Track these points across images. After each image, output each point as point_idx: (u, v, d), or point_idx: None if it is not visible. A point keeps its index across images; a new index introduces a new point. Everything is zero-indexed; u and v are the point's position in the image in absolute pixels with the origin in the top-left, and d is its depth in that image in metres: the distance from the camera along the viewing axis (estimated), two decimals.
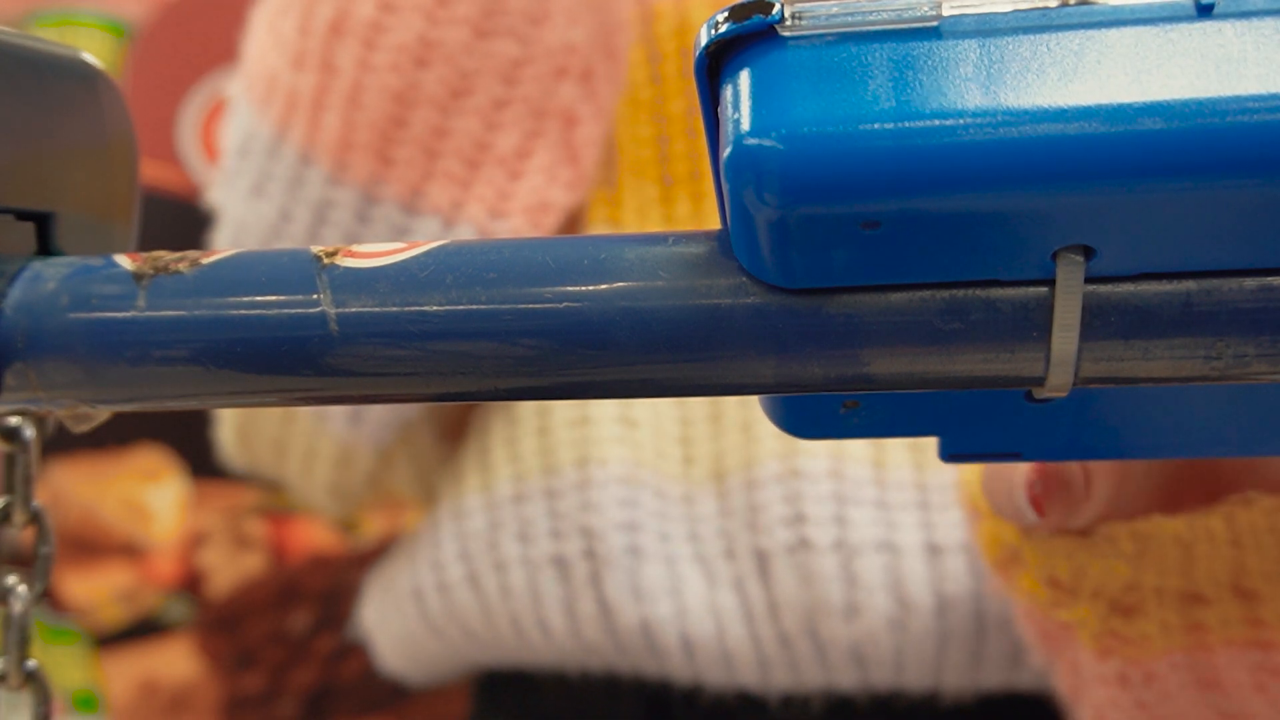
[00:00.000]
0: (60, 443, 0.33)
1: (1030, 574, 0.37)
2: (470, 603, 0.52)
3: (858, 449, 0.49)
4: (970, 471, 0.40)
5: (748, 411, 0.50)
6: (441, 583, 0.53)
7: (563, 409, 0.52)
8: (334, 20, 0.49)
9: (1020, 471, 0.33)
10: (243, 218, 0.53)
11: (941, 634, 0.47)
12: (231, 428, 0.59)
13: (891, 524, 0.48)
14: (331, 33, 0.49)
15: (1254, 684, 0.35)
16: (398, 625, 0.57)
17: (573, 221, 0.54)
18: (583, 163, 0.52)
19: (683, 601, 0.49)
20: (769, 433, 0.49)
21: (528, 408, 0.53)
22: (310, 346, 0.24)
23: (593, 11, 0.51)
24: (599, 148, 0.53)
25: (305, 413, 0.54)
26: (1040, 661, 0.43)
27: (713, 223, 0.53)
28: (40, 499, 0.31)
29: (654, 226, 0.54)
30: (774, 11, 0.21)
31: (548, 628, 0.51)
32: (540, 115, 0.50)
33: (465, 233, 0.50)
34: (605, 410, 0.51)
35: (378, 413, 0.54)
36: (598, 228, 0.54)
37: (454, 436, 0.59)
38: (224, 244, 0.54)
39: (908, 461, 0.49)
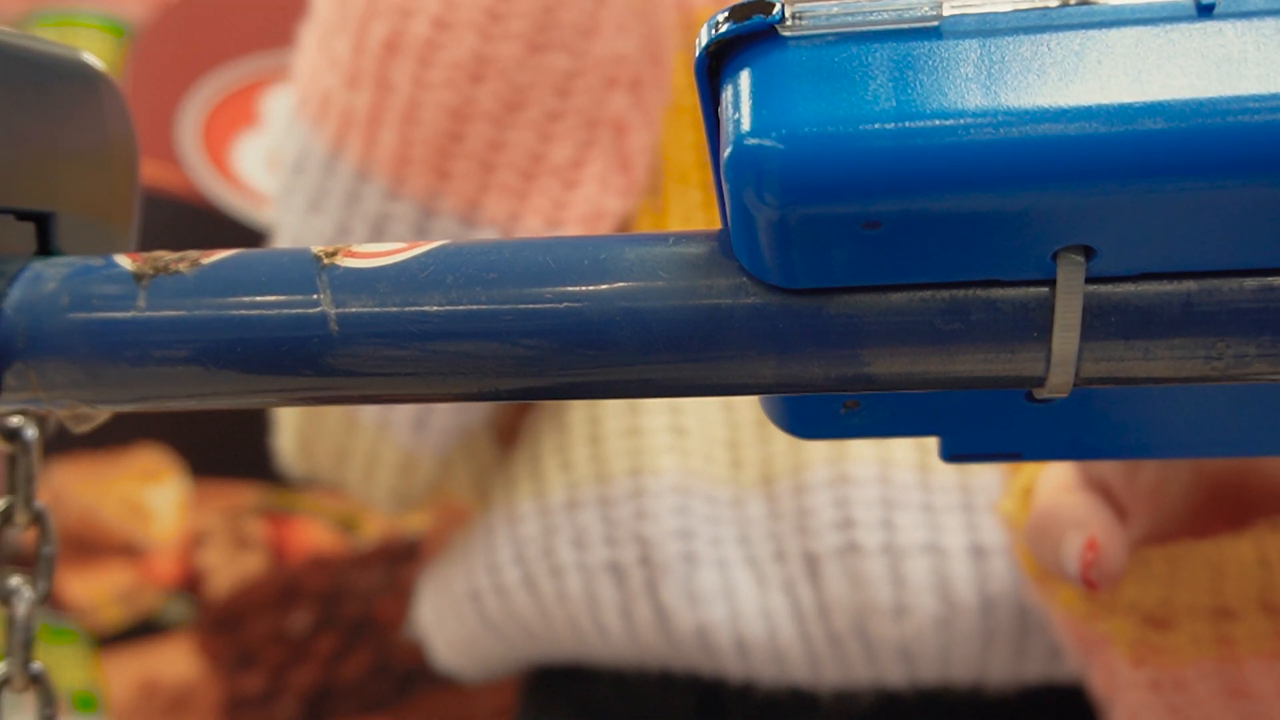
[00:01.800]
0: (60, 443, 0.33)
1: (1068, 589, 0.38)
2: (528, 605, 0.54)
3: (904, 454, 0.51)
4: (1010, 500, 0.41)
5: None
6: (499, 585, 0.54)
7: (612, 417, 0.54)
8: (388, 39, 0.50)
9: (1071, 542, 0.34)
10: (300, 233, 0.54)
11: (987, 631, 0.49)
12: (292, 436, 0.60)
13: (937, 526, 0.49)
14: (387, 51, 0.50)
15: (1279, 691, 0.36)
16: (455, 625, 0.59)
17: (623, 228, 0.55)
18: (634, 170, 0.53)
19: (736, 604, 0.50)
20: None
21: (577, 415, 0.55)
22: (310, 346, 0.24)
23: (640, 20, 0.52)
24: (648, 155, 0.54)
25: (368, 421, 0.56)
26: (1075, 663, 0.44)
27: None
28: (40, 499, 0.31)
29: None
30: (774, 11, 0.21)
31: (605, 630, 0.52)
32: (593, 125, 0.51)
33: None
34: (657, 420, 0.53)
35: (441, 420, 0.55)
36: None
37: (508, 441, 0.60)
38: None
39: (952, 465, 0.50)
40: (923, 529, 0.49)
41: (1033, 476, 0.39)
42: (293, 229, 0.55)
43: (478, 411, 0.56)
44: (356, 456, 0.57)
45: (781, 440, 0.52)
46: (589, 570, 0.52)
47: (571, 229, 0.51)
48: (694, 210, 0.56)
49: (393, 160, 0.51)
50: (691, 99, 0.56)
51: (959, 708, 0.51)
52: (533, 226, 0.51)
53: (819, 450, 0.51)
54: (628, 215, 0.55)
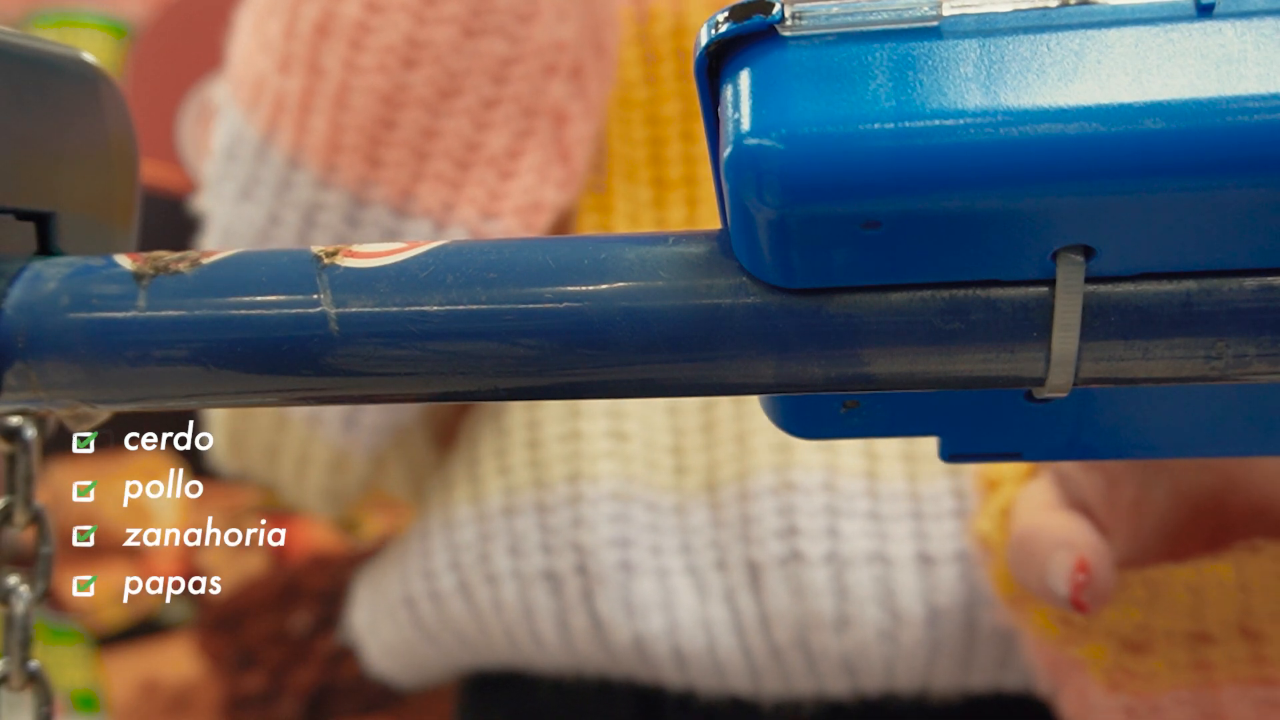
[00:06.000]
0: (60, 443, 0.33)
1: (1043, 612, 0.37)
2: (463, 612, 0.52)
3: (851, 461, 0.49)
4: (986, 521, 0.40)
5: (741, 423, 0.50)
6: (434, 591, 0.53)
7: (552, 421, 0.52)
8: (319, 21, 0.49)
9: (1059, 563, 0.33)
10: (231, 222, 0.52)
11: (932, 643, 0.48)
12: (223, 433, 0.58)
13: (884, 535, 0.48)
14: (317, 34, 0.49)
15: (1257, 718, 0.36)
16: (389, 631, 0.57)
17: (563, 223, 0.54)
18: (574, 161, 0.51)
19: (674, 615, 0.49)
20: (764, 444, 0.49)
21: (517, 418, 0.53)
22: (310, 346, 0.24)
23: (581, 6, 0.50)
24: (590, 146, 0.52)
25: (298, 418, 0.54)
26: (1046, 686, 0.43)
27: (701, 224, 0.53)
28: (40, 499, 0.31)
29: (647, 230, 0.53)
30: (774, 11, 0.21)
31: (541, 640, 0.51)
32: (531, 114, 0.50)
33: (457, 234, 0.50)
34: (596, 425, 0.51)
35: (371, 418, 0.53)
36: (588, 231, 0.54)
37: (446, 441, 0.58)
38: (212, 248, 0.54)
39: (901, 473, 0.49)
40: (868, 538, 0.48)
41: (1010, 498, 0.39)
42: (224, 217, 0.53)
43: (410, 410, 0.54)
44: (288, 454, 0.56)
45: (727, 446, 0.50)
46: (525, 578, 0.50)
47: (508, 221, 0.50)
48: (643, 209, 0.54)
49: (324, 148, 0.49)
50: (644, 93, 0.55)
51: (903, 717, 0.50)
52: (467, 217, 0.50)
53: (764, 457, 0.49)
54: (569, 208, 0.54)
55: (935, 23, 0.21)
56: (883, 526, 0.48)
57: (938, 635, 0.48)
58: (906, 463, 0.49)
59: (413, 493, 0.59)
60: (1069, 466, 0.37)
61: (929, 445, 0.48)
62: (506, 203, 0.50)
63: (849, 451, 0.49)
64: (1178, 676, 0.36)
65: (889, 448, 0.49)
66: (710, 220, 0.53)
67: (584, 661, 0.51)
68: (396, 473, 0.59)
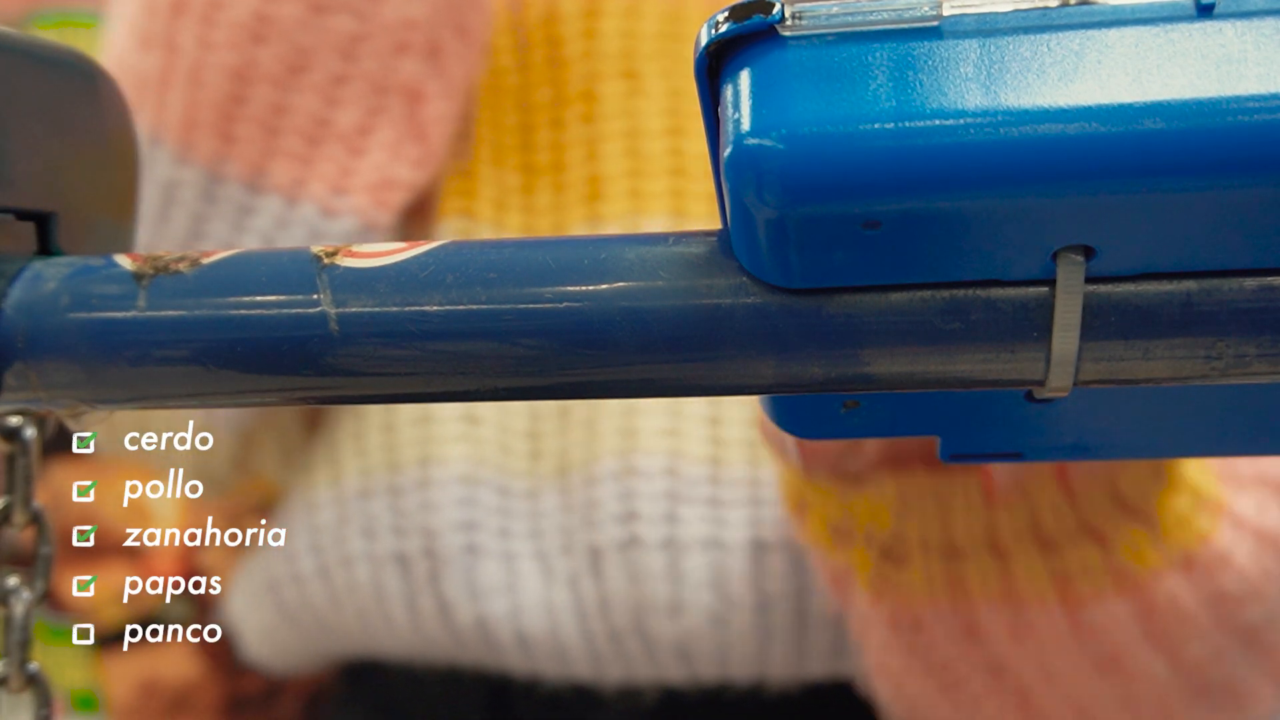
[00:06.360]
0: (60, 443, 0.33)
1: (815, 518, 0.39)
2: (321, 595, 0.53)
3: (696, 447, 0.50)
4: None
5: (594, 408, 0.51)
6: (295, 574, 0.54)
7: (408, 406, 0.52)
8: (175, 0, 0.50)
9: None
10: None
11: (763, 629, 0.48)
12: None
13: (721, 521, 0.49)
14: (173, 12, 0.50)
15: (1011, 637, 0.36)
16: (257, 615, 0.58)
17: (424, 204, 0.54)
18: (431, 141, 0.52)
19: (518, 599, 0.50)
20: (612, 429, 0.50)
21: None
22: (310, 346, 0.24)
23: None
24: (450, 127, 0.53)
25: None
26: (834, 609, 0.44)
27: (572, 214, 0.53)
28: (40, 499, 0.31)
29: (513, 216, 0.54)
30: (774, 11, 0.21)
31: (391, 623, 0.52)
32: (382, 91, 0.50)
33: (307, 211, 0.50)
34: (449, 409, 0.52)
35: None
36: (450, 216, 0.54)
37: (317, 421, 0.59)
38: None
39: (744, 459, 0.50)
40: (706, 524, 0.49)
41: None
42: None
43: None
44: (155, 430, 0.56)
45: (580, 431, 0.51)
46: (377, 561, 0.51)
47: (358, 197, 0.50)
48: (510, 194, 0.55)
49: (180, 124, 0.50)
50: (515, 80, 0.55)
51: (741, 706, 0.50)
52: (318, 193, 0.50)
53: (610, 442, 0.50)
54: (428, 189, 0.54)
55: (935, 23, 0.21)
56: (720, 512, 0.49)
57: (768, 621, 0.48)
58: (750, 449, 0.50)
59: (286, 474, 0.60)
60: None
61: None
62: (357, 179, 0.51)
63: (694, 438, 0.50)
64: (935, 590, 0.37)
65: (735, 433, 0.50)
66: (576, 208, 0.53)
67: (432, 646, 0.52)
68: (269, 453, 0.59)
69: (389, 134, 0.51)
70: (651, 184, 0.53)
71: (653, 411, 0.50)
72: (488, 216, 0.54)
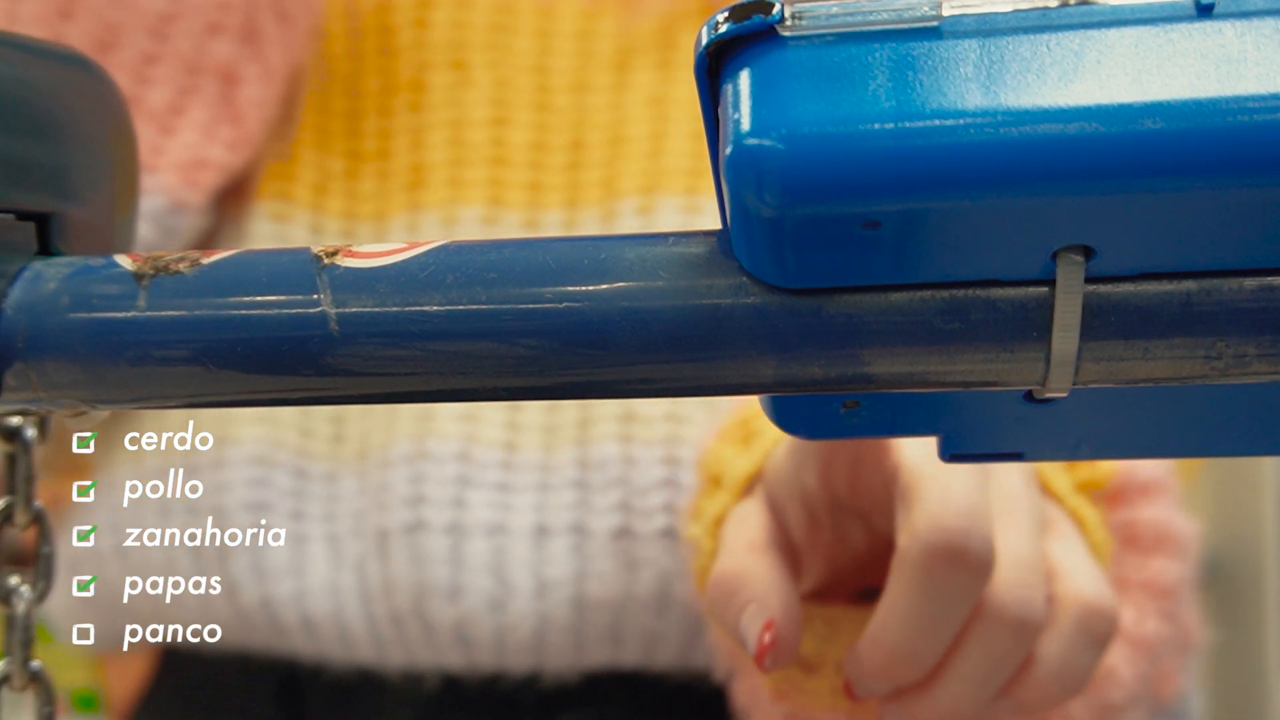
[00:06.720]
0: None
1: None
2: (118, 575, 0.53)
3: (490, 432, 0.50)
4: (698, 527, 0.41)
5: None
6: (95, 553, 0.54)
7: None
8: None
9: (751, 620, 0.35)
10: None
11: (540, 615, 0.49)
12: None
13: (507, 507, 0.49)
14: None
15: None
16: (62, 594, 0.58)
17: (241, 187, 0.54)
18: (247, 124, 0.52)
19: (304, 581, 0.50)
20: (409, 412, 0.50)
21: None
22: (311, 346, 0.24)
23: None
24: (268, 110, 0.53)
25: None
26: (722, 671, 0.45)
27: (393, 201, 0.53)
28: (40, 499, 0.31)
29: (334, 201, 0.54)
30: (774, 11, 0.21)
31: (183, 606, 0.52)
32: (194, 71, 0.50)
33: None
34: None
35: None
36: (267, 199, 0.55)
37: None
38: None
39: (538, 444, 0.50)
40: (491, 509, 0.49)
41: (725, 509, 0.40)
42: None
43: None
44: None
45: (379, 415, 0.51)
46: (169, 541, 0.51)
47: (168, 176, 0.50)
48: (333, 180, 0.55)
49: None
50: (346, 67, 0.55)
51: (518, 695, 0.51)
52: None
53: (405, 425, 0.50)
54: (245, 171, 0.54)
55: (935, 23, 0.21)
56: (508, 498, 0.49)
57: (545, 607, 0.49)
58: (545, 434, 0.50)
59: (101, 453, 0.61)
60: (779, 498, 0.38)
61: (568, 414, 0.50)
62: (166, 158, 0.51)
63: (489, 423, 0.51)
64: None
65: (532, 419, 0.51)
66: (398, 195, 0.54)
67: (225, 629, 0.52)
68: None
69: (201, 115, 0.51)
70: (471, 173, 0.53)
71: None
72: (306, 201, 0.55)
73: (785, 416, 0.27)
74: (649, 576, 0.48)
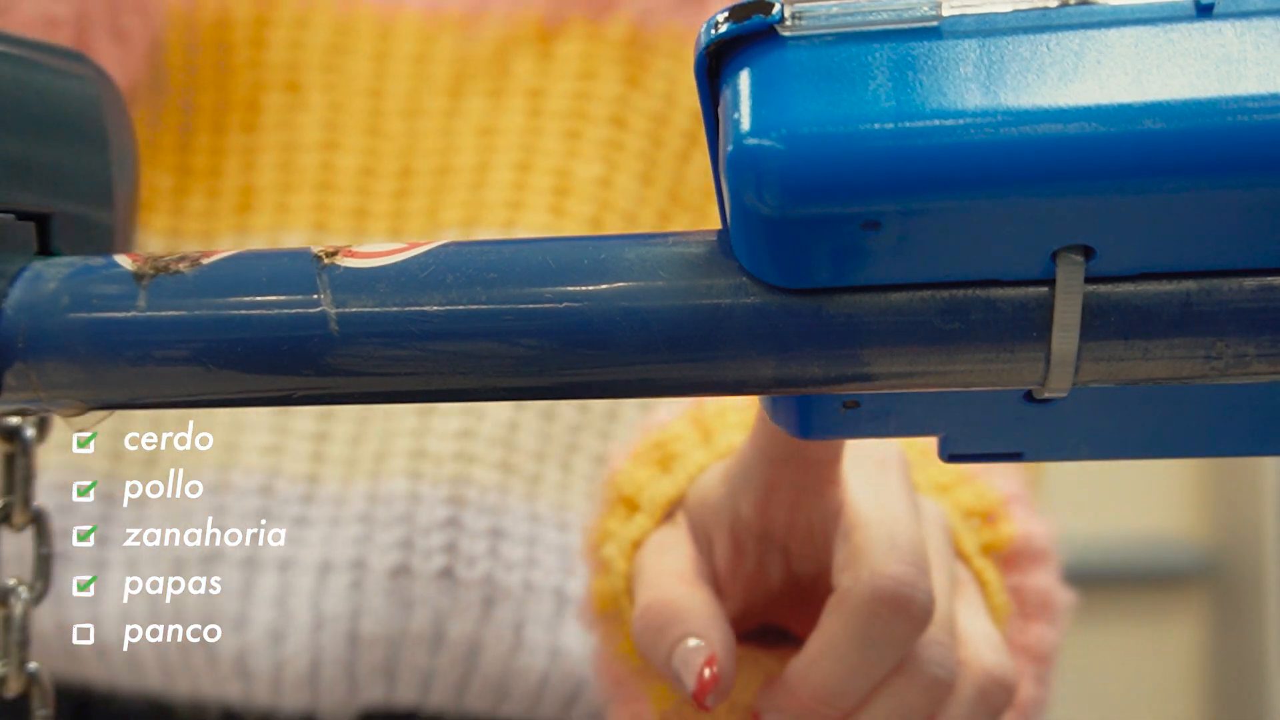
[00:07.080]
0: None
1: (629, 640, 0.38)
2: None
3: (297, 466, 0.51)
4: (614, 547, 0.40)
5: (214, 413, 0.52)
6: None
7: None
8: None
9: (690, 657, 0.34)
10: None
11: (315, 649, 0.49)
12: None
13: (299, 540, 0.50)
14: None
15: None
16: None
17: None
18: None
19: (100, 607, 0.50)
20: (219, 442, 0.51)
21: None
22: (311, 346, 0.24)
23: None
24: None
25: None
26: (601, 695, 0.44)
27: (221, 222, 0.53)
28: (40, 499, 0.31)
29: (160, 218, 0.54)
30: (774, 11, 0.21)
31: None
32: None
33: None
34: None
35: None
36: None
37: None
38: None
39: (338, 476, 0.50)
40: (286, 543, 0.50)
41: (644, 532, 0.39)
42: None
43: None
44: None
45: (214, 435, 0.51)
46: None
47: None
48: (160, 196, 0.54)
49: None
50: (181, 81, 0.55)
51: None
52: None
53: (211, 455, 0.51)
54: None
55: (935, 23, 0.21)
56: (303, 532, 0.50)
57: (321, 640, 0.49)
58: (344, 467, 0.51)
59: None
60: (706, 526, 0.37)
61: (368, 447, 0.51)
62: None
63: (295, 455, 0.51)
64: None
65: (336, 450, 0.51)
66: (226, 216, 0.53)
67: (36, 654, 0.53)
68: None
69: None
70: (298, 198, 0.53)
71: (258, 427, 0.51)
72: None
73: (785, 416, 0.27)
74: (424, 615, 0.49)
